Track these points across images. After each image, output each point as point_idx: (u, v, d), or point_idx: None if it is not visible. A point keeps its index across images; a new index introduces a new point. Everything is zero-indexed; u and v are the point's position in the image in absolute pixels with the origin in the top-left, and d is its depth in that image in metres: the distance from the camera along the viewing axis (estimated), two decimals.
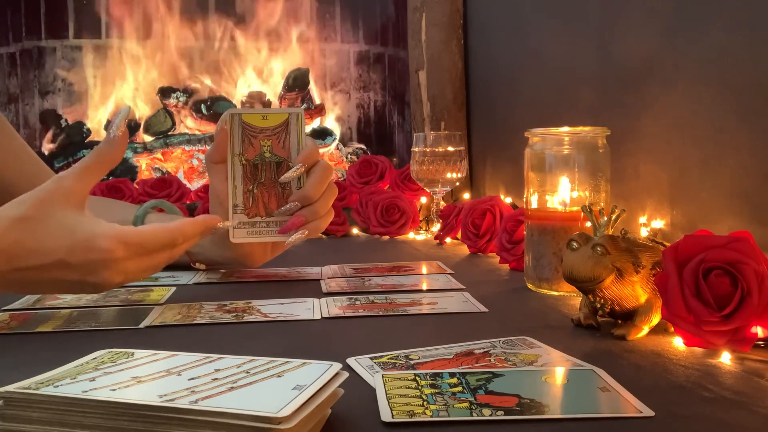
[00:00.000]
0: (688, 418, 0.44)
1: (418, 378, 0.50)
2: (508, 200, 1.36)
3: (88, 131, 2.17)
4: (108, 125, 0.72)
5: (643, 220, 1.03)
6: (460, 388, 0.48)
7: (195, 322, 0.69)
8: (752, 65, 0.83)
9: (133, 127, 2.16)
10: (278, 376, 0.43)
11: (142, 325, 0.68)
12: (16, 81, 2.20)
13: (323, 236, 1.38)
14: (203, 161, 2.09)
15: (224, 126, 0.78)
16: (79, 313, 0.73)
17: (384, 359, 0.55)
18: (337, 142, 2.25)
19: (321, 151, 1.83)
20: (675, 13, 0.97)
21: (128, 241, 0.61)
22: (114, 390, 0.40)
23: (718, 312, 0.55)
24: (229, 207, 0.80)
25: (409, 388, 0.48)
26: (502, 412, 0.44)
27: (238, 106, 2.18)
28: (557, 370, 0.53)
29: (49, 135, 2.17)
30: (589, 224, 0.68)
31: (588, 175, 0.81)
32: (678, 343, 0.60)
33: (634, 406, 0.45)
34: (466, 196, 1.69)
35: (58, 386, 0.41)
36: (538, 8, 1.44)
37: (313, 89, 2.30)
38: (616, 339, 0.62)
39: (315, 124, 2.27)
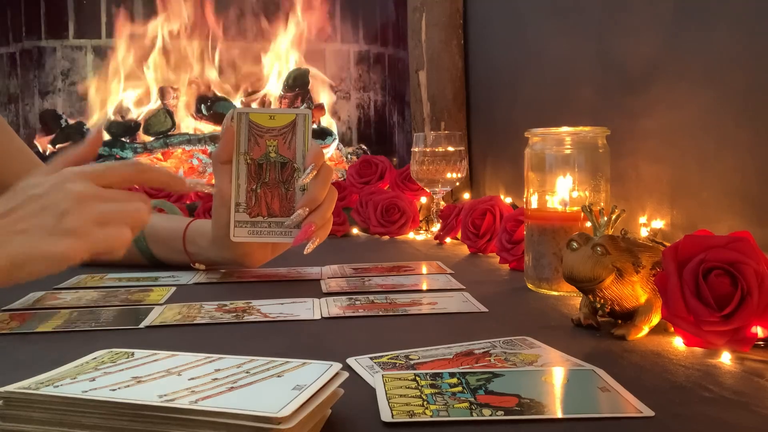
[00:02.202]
0: (688, 418, 0.44)
1: (418, 378, 0.50)
2: (508, 200, 1.36)
3: (88, 131, 2.17)
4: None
5: (643, 220, 1.03)
6: (460, 388, 0.48)
7: (195, 322, 0.69)
8: (752, 66, 0.83)
9: (133, 127, 2.16)
10: (278, 376, 0.43)
11: (142, 325, 0.68)
12: (16, 81, 2.20)
13: None
14: (203, 161, 2.09)
15: (230, 123, 0.78)
16: (79, 313, 0.73)
17: (384, 359, 0.55)
18: (337, 142, 2.25)
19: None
20: (675, 14, 0.97)
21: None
22: (114, 390, 0.40)
23: (718, 312, 0.55)
24: (232, 205, 0.80)
25: (409, 388, 0.48)
26: (502, 412, 0.44)
27: (239, 106, 2.18)
28: (557, 370, 0.53)
29: (49, 135, 2.17)
30: (589, 224, 0.68)
31: (588, 175, 0.81)
32: (678, 343, 0.60)
33: (634, 406, 0.45)
34: (466, 196, 1.69)
35: (58, 386, 0.41)
36: (538, 8, 1.44)
37: (313, 89, 2.30)
38: (616, 339, 0.62)
39: (314, 124, 2.27)
